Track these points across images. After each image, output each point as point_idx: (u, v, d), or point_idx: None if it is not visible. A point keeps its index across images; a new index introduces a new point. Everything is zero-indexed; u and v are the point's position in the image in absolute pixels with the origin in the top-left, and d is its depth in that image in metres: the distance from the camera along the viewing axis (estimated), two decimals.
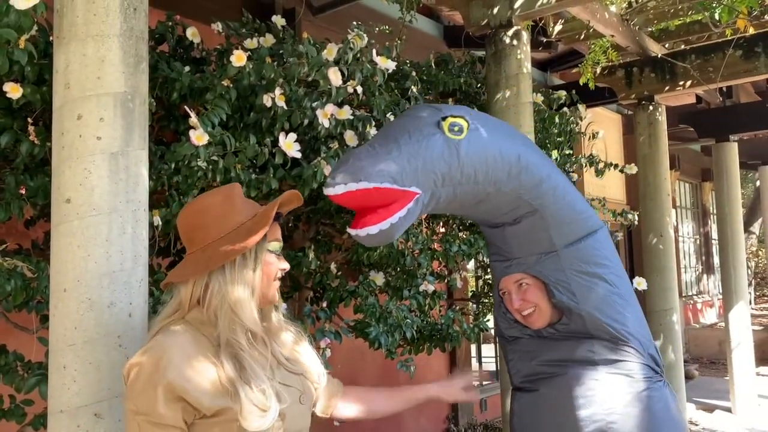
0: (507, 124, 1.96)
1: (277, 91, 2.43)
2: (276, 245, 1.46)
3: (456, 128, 1.70)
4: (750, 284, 12.67)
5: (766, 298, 15.32)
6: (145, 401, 1.29)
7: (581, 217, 1.88)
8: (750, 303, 9.21)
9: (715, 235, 10.76)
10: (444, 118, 1.71)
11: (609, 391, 1.84)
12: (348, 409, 1.70)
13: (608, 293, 1.85)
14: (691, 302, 11.01)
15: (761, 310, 13.06)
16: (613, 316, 1.84)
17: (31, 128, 2.09)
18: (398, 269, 3.20)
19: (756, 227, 14.36)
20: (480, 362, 6.68)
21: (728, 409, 6.88)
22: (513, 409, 2.04)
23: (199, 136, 2.15)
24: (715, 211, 8.60)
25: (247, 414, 1.29)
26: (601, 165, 4.38)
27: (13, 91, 1.98)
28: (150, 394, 1.28)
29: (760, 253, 14.94)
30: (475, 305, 4.61)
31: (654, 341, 1.95)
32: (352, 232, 1.66)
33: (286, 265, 1.49)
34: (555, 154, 4.03)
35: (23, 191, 2.18)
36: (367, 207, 1.63)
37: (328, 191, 1.60)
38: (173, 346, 1.32)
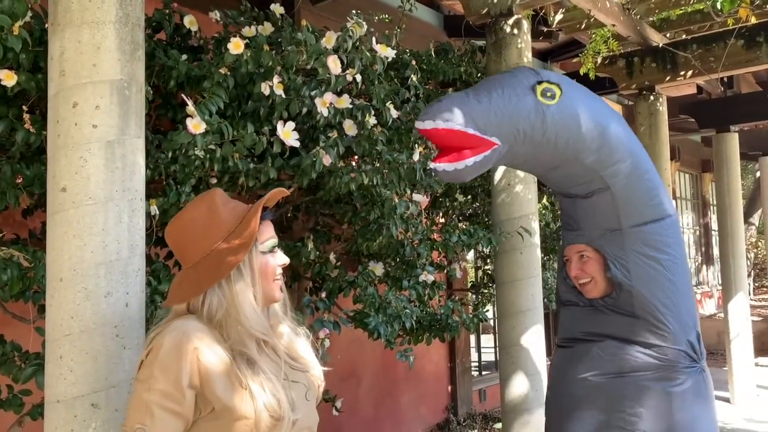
0: (603, 102, 2.02)
1: (276, 79, 2.41)
2: (269, 244, 1.41)
3: (549, 93, 1.81)
4: (749, 275, 12.66)
5: (765, 289, 15.33)
6: (165, 376, 1.25)
7: (652, 202, 1.95)
8: (749, 294, 9.21)
9: (715, 226, 10.74)
10: (540, 82, 1.82)
11: (637, 366, 1.94)
12: None
13: (662, 278, 1.93)
14: None
15: (760, 301, 13.06)
16: (661, 299, 1.92)
17: (26, 116, 2.07)
18: (398, 259, 3.19)
19: (756, 218, 14.33)
20: (479, 353, 6.68)
21: (727, 400, 6.89)
22: (552, 362, 2.21)
23: (196, 125, 2.13)
24: (715, 202, 8.58)
25: (259, 421, 1.27)
26: None
27: (8, 78, 1.95)
28: (174, 367, 1.25)
29: (759, 244, 14.92)
30: (474, 296, 4.61)
31: (697, 329, 2.02)
32: (431, 165, 1.82)
33: (285, 260, 1.45)
34: None
35: (19, 180, 2.16)
36: (451, 146, 1.77)
37: (418, 124, 1.76)
38: (195, 329, 1.30)
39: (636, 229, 1.92)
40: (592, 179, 1.90)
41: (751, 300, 11.13)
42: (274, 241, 1.43)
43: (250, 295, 1.36)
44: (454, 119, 1.71)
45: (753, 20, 4.26)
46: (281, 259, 1.44)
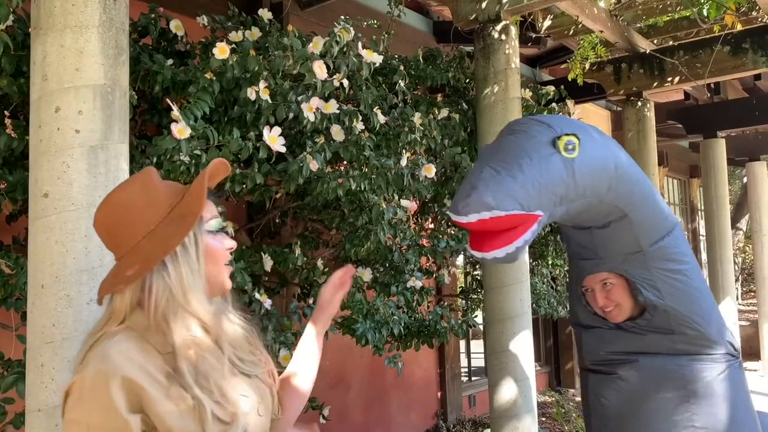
0: (600, 131, 1.96)
1: (262, 84, 2.39)
2: (215, 223, 1.29)
3: (570, 146, 1.73)
4: (737, 280, 12.74)
5: (752, 293, 15.42)
6: (98, 409, 1.10)
7: (662, 216, 1.94)
8: (737, 299, 9.26)
9: (702, 231, 10.81)
10: (559, 137, 1.74)
11: (690, 374, 1.93)
12: (289, 398, 1.48)
13: (689, 288, 1.92)
14: None
15: (748, 306, 13.14)
16: (695, 310, 1.92)
17: (8, 121, 2.05)
18: (386, 265, 3.18)
19: (743, 223, 14.44)
20: (469, 358, 6.68)
21: None
22: (587, 388, 2.13)
23: (180, 130, 2.12)
24: (702, 208, 8.65)
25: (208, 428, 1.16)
26: None
27: None
28: (104, 398, 1.10)
29: (747, 249, 15.02)
30: (463, 301, 4.60)
31: (728, 326, 2.02)
32: (477, 254, 1.70)
33: (233, 243, 1.33)
34: None
35: (2, 186, 2.14)
36: (493, 231, 1.67)
37: (460, 219, 1.63)
38: (117, 354, 1.14)
39: (655, 247, 1.90)
40: (610, 211, 1.86)
41: (739, 305, 11.19)
42: (219, 221, 1.31)
43: (197, 276, 1.23)
44: (498, 206, 1.60)
45: (739, 27, 4.30)
46: (229, 242, 1.32)
